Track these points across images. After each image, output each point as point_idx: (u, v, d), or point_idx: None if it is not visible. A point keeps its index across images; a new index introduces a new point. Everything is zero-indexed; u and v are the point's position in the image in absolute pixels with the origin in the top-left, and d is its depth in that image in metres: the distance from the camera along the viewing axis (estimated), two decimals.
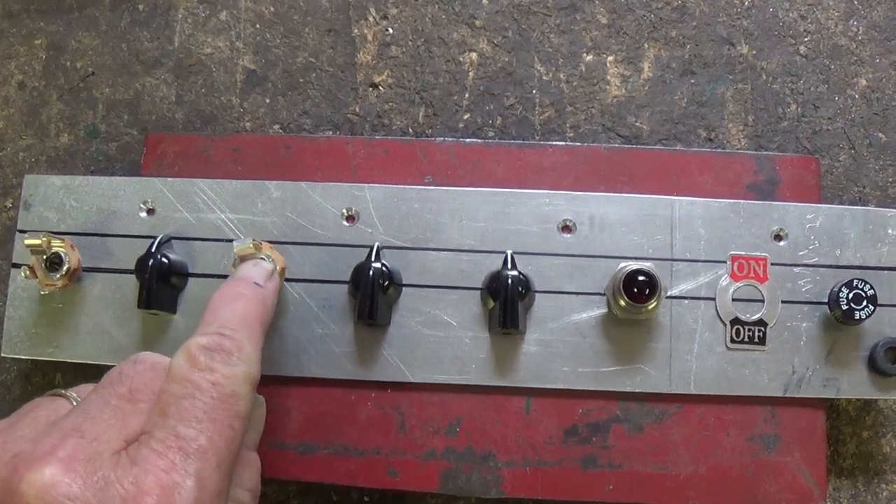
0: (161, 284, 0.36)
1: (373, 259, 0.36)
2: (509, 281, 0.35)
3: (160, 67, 0.43)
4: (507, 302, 0.35)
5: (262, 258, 0.34)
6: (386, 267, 0.36)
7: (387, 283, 0.36)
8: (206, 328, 0.30)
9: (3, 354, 0.38)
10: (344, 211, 0.37)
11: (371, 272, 0.35)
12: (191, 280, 0.37)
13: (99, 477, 0.25)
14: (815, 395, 0.36)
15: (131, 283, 0.37)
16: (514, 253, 0.36)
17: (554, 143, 0.39)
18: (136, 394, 0.28)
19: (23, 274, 0.36)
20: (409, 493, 0.38)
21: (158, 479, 0.25)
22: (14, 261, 0.38)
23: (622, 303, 0.35)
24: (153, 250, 0.36)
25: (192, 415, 0.27)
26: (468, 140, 0.38)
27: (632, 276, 0.34)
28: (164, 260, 0.36)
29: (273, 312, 0.33)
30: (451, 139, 0.38)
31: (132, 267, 0.37)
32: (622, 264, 0.36)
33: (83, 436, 0.26)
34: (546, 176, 0.38)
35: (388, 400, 0.37)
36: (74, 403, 0.30)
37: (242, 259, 0.34)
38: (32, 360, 0.40)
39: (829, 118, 0.41)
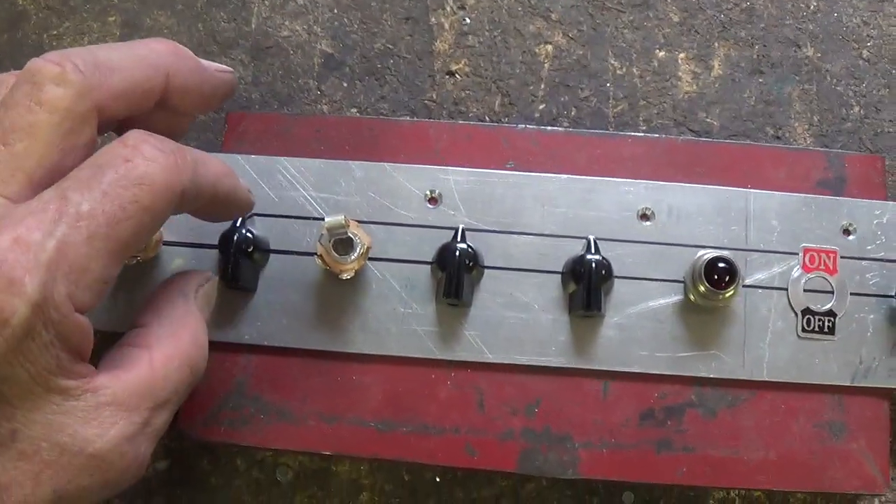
0: (244, 260, 0.36)
1: (458, 240, 0.37)
2: (593, 265, 0.36)
3: (237, 48, 0.43)
4: (590, 285, 0.36)
5: (351, 235, 0.35)
6: (471, 248, 0.36)
7: (471, 263, 0.36)
8: None
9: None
10: (427, 193, 0.38)
11: (457, 252, 0.36)
12: (272, 257, 0.38)
13: None
14: (880, 385, 0.37)
15: (209, 258, 0.37)
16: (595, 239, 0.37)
17: (632, 133, 0.40)
18: None
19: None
20: (481, 472, 0.39)
21: (16, 234, 0.23)
22: None
23: (701, 289, 0.36)
24: (238, 225, 0.36)
25: (86, 183, 0.25)
26: (549, 128, 0.39)
27: (713, 263, 0.35)
28: (248, 235, 0.36)
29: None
30: (532, 127, 0.39)
31: (213, 242, 0.37)
32: (700, 252, 0.37)
33: None
34: (624, 165, 0.39)
35: (467, 379, 0.37)
36: None
37: (331, 233, 0.34)
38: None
39: (891, 120, 0.42)
